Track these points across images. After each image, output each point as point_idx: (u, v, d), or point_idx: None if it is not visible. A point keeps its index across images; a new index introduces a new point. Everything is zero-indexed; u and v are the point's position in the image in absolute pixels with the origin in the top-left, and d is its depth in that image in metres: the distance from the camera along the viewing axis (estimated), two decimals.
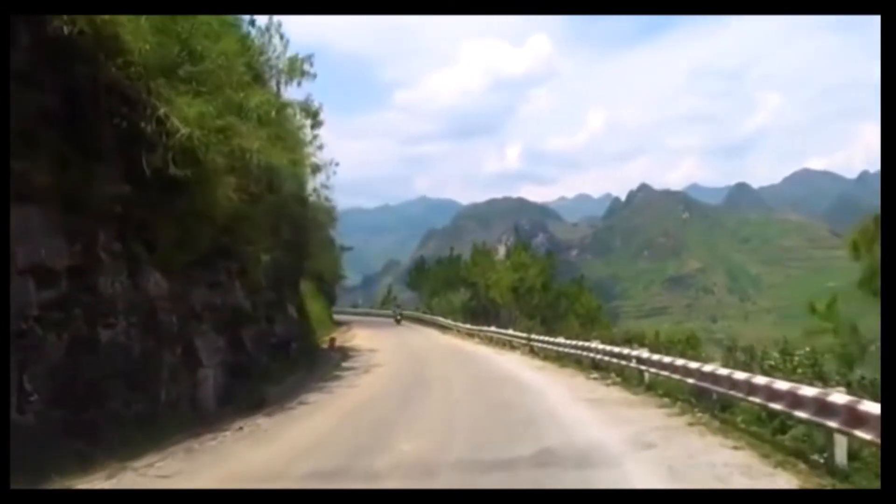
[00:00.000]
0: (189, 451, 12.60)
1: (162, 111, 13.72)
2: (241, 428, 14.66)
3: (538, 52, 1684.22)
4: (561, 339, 27.69)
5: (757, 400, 11.93)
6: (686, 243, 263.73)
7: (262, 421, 15.54)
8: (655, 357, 17.81)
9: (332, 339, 34.11)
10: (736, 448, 11.31)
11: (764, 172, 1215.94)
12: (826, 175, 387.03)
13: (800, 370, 13.49)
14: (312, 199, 38.59)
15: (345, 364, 28.66)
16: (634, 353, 19.38)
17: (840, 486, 8.97)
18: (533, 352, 31.07)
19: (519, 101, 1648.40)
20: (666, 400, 16.48)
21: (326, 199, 55.02)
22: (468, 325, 46.57)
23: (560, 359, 26.94)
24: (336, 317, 79.11)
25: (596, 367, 22.97)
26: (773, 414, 12.05)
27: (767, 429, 12.36)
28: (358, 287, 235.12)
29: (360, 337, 46.27)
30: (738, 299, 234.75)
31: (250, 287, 21.04)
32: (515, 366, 26.17)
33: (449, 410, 16.12)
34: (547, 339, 29.57)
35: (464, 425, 14.10)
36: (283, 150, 21.57)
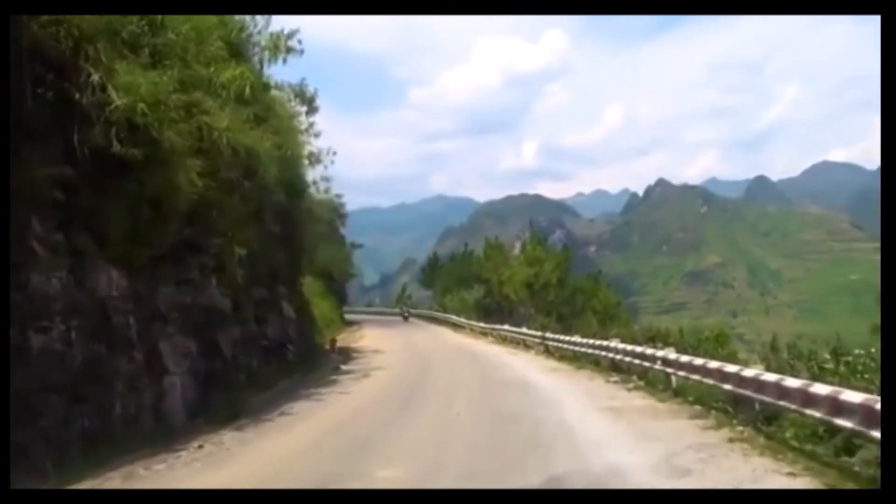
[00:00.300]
0: (128, 478, 10.49)
1: (96, 77, 11.56)
2: (201, 446, 12.50)
3: (553, 47, 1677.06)
4: (577, 338, 25.36)
5: (817, 414, 9.59)
6: (705, 238, 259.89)
7: (229, 437, 13.36)
8: (685, 359, 15.44)
9: (333, 341, 32.01)
10: (792, 475, 9.03)
11: (783, 165, 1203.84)
12: (846, 167, 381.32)
13: (865, 375, 11.10)
14: (311, 191, 36.64)
15: (344, 367, 26.51)
16: (660, 353, 17.05)
17: None
18: (548, 351, 28.82)
19: (534, 98, 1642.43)
20: (698, 409, 14.19)
21: (329, 191, 53.22)
22: (481, 324, 44.34)
23: (577, 359, 24.67)
24: (349, 316, 77.44)
25: (616, 369, 20.69)
26: (833, 429, 9.75)
27: (827, 448, 10.06)
28: (376, 286, 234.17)
29: (369, 337, 44.17)
30: (758, 294, 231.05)
31: (230, 285, 18.87)
32: (528, 368, 23.91)
33: (446, 425, 13.83)
34: (562, 337, 27.26)
35: (460, 445, 11.78)
36: (267, 134, 19.49)
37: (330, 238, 64.97)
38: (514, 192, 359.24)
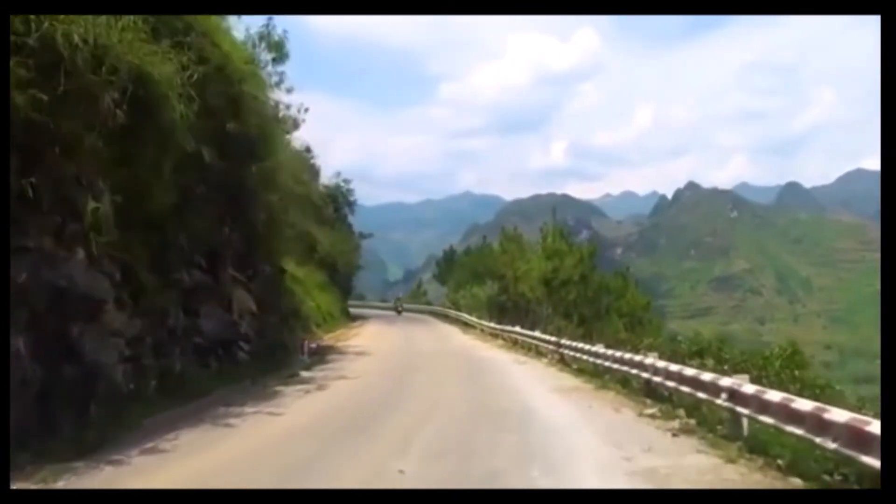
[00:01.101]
0: None
1: None
2: None
3: (585, 46, 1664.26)
4: (600, 349, 19.34)
5: None
6: (734, 243, 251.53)
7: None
8: (774, 397, 9.47)
9: (302, 340, 26.24)
10: None
11: (816, 171, 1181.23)
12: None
13: None
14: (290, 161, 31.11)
15: (306, 373, 20.94)
16: (727, 382, 11.06)
17: None
18: (563, 361, 23.03)
19: (565, 97, 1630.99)
20: (796, 481, 8.38)
21: (314, 161, 47.56)
22: (491, 324, 38.56)
23: (598, 375, 18.87)
24: (360, 311, 72.22)
25: (652, 394, 14.85)
26: None
27: None
28: (400, 281, 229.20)
29: (365, 335, 38.67)
30: (787, 301, 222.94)
31: (117, 260, 13.25)
32: (537, 386, 18.05)
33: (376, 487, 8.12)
34: (582, 346, 21.31)
35: None
36: (184, 61, 13.92)
37: (334, 225, 59.64)
38: (542, 191, 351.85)
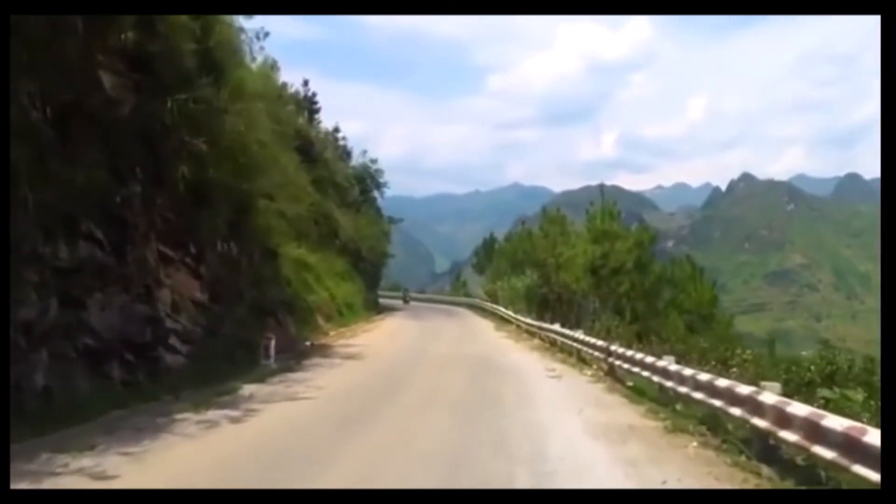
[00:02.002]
0: None
1: None
2: None
3: (637, 35, 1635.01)
4: (671, 364, 12.75)
5: None
6: (790, 236, 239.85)
7: None
8: None
9: (269, 339, 20.03)
10: None
11: (878, 162, 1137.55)
12: None
13: None
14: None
15: (250, 388, 14.75)
16: None
17: None
18: (613, 375, 16.67)
19: (616, 87, 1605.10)
20: None
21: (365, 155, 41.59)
22: (527, 320, 32.20)
23: (665, 401, 12.49)
24: (394, 302, 66.52)
25: (772, 458, 8.46)
26: None
27: None
28: (446, 273, 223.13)
29: (379, 331, 32.87)
30: (844, 297, 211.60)
31: None
32: (571, 420, 11.68)
33: None
34: (641, 357, 14.76)
35: None
36: None
37: (360, 209, 53.81)
38: (592, 182, 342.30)
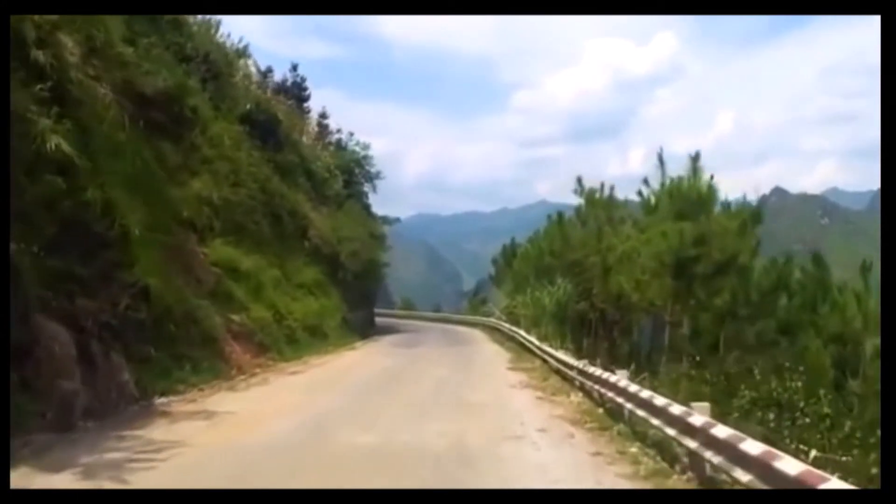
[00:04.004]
0: None
1: None
2: None
3: (664, 50, 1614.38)
4: None
5: None
6: (825, 251, 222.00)
7: None
8: None
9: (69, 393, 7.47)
10: None
11: None
12: None
13: None
14: None
15: None
16: None
17: None
18: None
19: (643, 102, 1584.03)
20: None
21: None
22: (560, 354, 18.99)
23: None
24: (403, 322, 54.06)
25: None
26: None
27: None
28: (472, 291, 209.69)
29: (327, 370, 20.10)
30: None
31: None
32: None
33: None
34: None
35: None
36: None
37: (342, 204, 41.09)
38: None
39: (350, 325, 35.24)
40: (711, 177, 16.96)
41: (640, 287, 19.04)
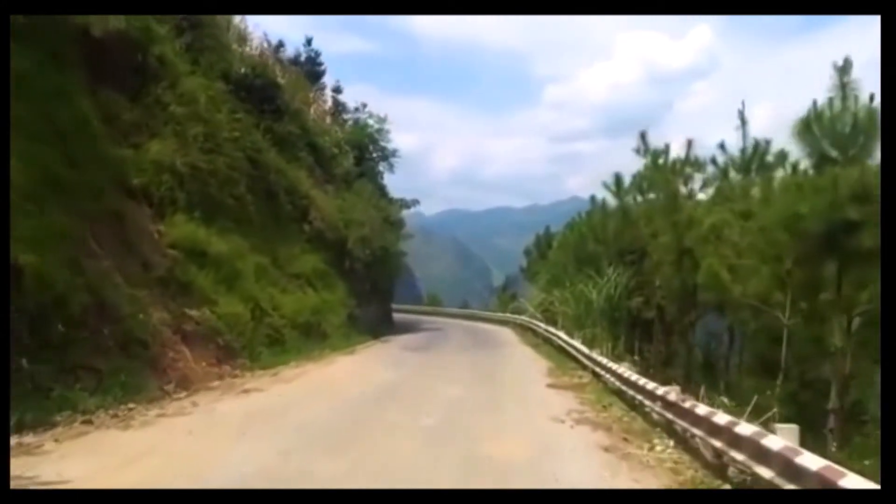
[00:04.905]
0: None
1: None
2: None
3: (699, 44, 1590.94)
4: None
5: None
6: None
7: None
8: None
9: None
10: None
11: None
12: None
13: None
14: None
15: None
16: None
17: None
18: None
19: (678, 96, 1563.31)
20: None
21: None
22: (623, 368, 13.30)
23: None
24: (428, 320, 48.79)
25: None
26: None
27: None
28: (501, 286, 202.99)
29: (294, 388, 14.49)
30: None
31: None
32: None
33: None
34: None
35: None
36: None
37: (352, 184, 35.56)
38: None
39: (359, 323, 29.83)
40: (871, 97, 11.04)
41: (737, 274, 13.30)
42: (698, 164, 18.54)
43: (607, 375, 15.25)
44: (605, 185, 21.86)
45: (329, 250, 29.39)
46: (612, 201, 24.80)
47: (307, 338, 23.42)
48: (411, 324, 41.60)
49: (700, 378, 16.54)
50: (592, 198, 28.83)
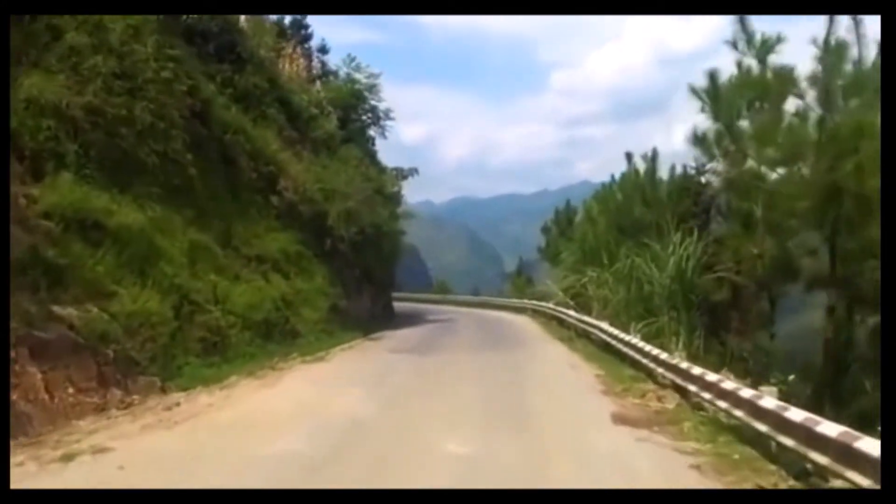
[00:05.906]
0: None
1: None
2: None
3: (709, 23, 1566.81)
4: None
5: None
6: None
7: None
8: None
9: None
10: None
11: None
12: None
13: None
14: None
15: None
16: None
17: None
18: None
19: (688, 77, 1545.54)
20: None
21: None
22: (734, 384, 7.42)
23: None
24: (434, 309, 42.75)
25: None
26: None
27: None
28: (513, 272, 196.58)
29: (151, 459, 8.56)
30: None
31: None
32: None
33: None
34: None
35: None
36: None
37: (336, 151, 29.40)
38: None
39: (345, 317, 23.90)
40: None
41: None
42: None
43: (706, 394, 9.30)
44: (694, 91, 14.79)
45: (305, 229, 23.44)
46: (666, 150, 18.63)
47: (267, 340, 17.53)
48: (416, 315, 35.75)
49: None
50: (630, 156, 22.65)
